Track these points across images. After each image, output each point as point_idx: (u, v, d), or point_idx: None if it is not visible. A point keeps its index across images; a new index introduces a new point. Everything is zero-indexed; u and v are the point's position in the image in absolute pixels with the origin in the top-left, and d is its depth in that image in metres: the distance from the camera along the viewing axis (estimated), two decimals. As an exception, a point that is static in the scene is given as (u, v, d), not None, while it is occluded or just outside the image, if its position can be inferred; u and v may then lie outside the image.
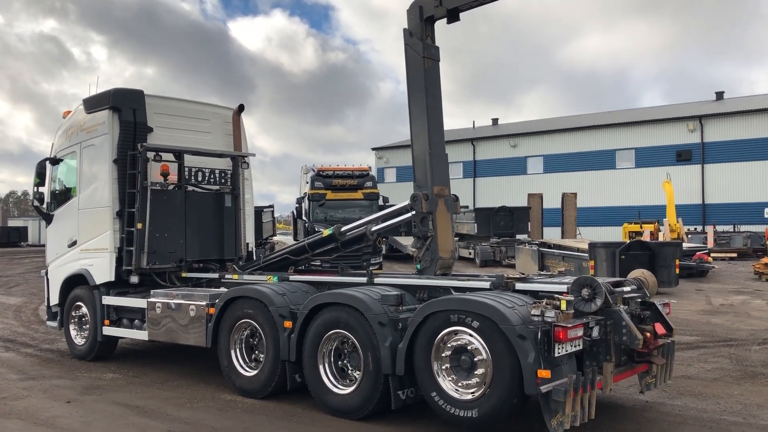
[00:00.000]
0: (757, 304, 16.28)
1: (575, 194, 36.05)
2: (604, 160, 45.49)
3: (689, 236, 32.67)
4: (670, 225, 32.16)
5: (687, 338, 11.44)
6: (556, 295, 6.01)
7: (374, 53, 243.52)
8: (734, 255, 31.41)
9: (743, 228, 35.23)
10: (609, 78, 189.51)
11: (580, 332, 5.69)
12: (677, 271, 18.83)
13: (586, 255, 19.76)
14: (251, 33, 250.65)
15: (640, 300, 6.63)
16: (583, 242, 23.24)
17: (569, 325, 5.54)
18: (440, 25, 8.16)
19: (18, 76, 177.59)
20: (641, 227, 33.04)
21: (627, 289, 6.59)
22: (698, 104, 49.68)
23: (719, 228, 35.37)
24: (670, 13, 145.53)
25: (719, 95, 50.15)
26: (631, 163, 44.53)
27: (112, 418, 7.02)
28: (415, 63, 7.89)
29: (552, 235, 34.45)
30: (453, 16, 7.89)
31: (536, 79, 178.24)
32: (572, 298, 5.87)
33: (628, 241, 20.98)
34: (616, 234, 35.80)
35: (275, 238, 36.25)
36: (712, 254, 28.39)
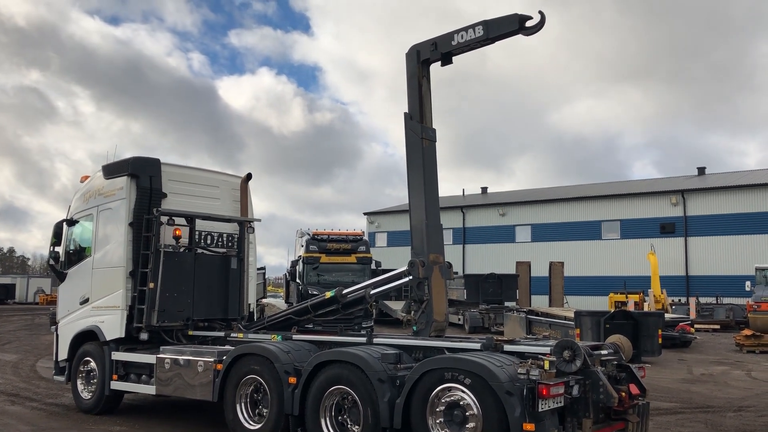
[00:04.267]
0: (737, 375, 16.83)
1: (562, 263, 36.83)
2: (590, 231, 46.59)
3: (673, 307, 33.34)
4: (654, 296, 32.88)
5: (666, 404, 11.97)
6: (540, 356, 6.63)
7: (362, 115, 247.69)
8: (717, 327, 32.02)
9: (726, 300, 35.99)
10: (599, 145, 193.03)
11: (561, 390, 6.30)
12: (660, 340, 19.41)
13: (572, 323, 20.34)
14: (239, 91, 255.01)
15: (616, 363, 7.26)
16: (570, 311, 23.84)
17: (551, 383, 6.16)
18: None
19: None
20: (627, 297, 33.69)
21: (604, 352, 7.25)
22: (681, 179, 51.29)
23: (703, 300, 36.10)
24: (662, 81, 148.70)
25: (701, 170, 51.81)
26: (616, 235, 45.63)
27: (124, 466, 7.46)
28: (414, 143, 8.75)
29: (539, 302, 35.02)
30: (446, 60, 8.84)
31: (527, 145, 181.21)
32: (554, 359, 6.49)
33: (613, 311, 21.59)
34: (602, 303, 36.44)
35: (265, 301, 36.56)
36: (696, 325, 29.00)
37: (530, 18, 7.99)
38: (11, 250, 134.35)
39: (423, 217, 8.56)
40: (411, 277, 8.57)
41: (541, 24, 7.92)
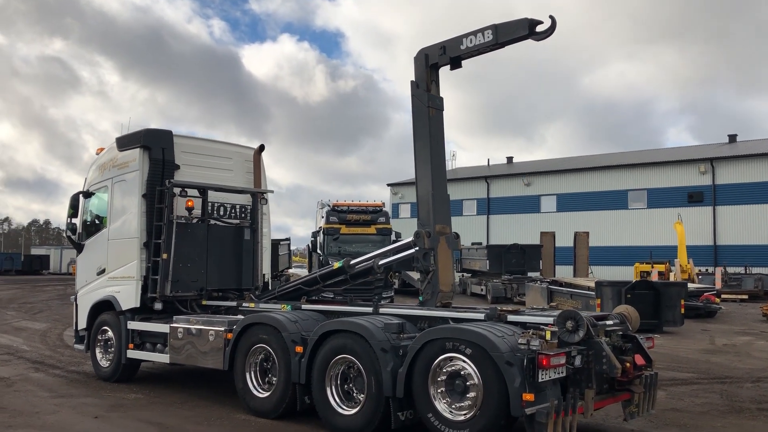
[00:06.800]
0: (760, 345, 16.59)
1: (587, 233, 36.51)
2: (616, 200, 45.97)
3: (700, 277, 32.89)
4: (681, 266, 32.45)
5: (683, 375, 11.86)
6: (542, 327, 6.59)
7: (386, 82, 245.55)
8: (745, 297, 31.54)
9: (755, 270, 35.39)
10: (632, 110, 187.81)
11: (562, 360, 6.26)
12: (683, 311, 19.21)
13: (593, 293, 20.20)
14: (261, 59, 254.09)
15: (621, 333, 7.18)
16: (592, 281, 23.67)
17: (552, 353, 6.12)
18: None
19: (25, 100, 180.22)
20: (652, 267, 33.33)
21: (609, 322, 7.17)
22: (710, 147, 50.24)
23: (731, 269, 35.54)
24: (700, 41, 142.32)
25: (732, 138, 50.67)
26: (643, 204, 44.97)
27: (135, 432, 7.66)
28: (420, 112, 8.66)
29: (564, 273, 34.81)
30: (456, 64, 8.68)
31: (558, 111, 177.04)
32: (556, 329, 6.45)
33: (634, 281, 21.38)
34: (628, 273, 36.10)
35: (291, 271, 37.01)
36: (723, 295, 28.60)
37: (541, 23, 7.80)
38: (47, 222, 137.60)
39: (429, 188, 8.51)
40: (417, 248, 8.54)
41: (551, 29, 7.74)
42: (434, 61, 8.71)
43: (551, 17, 7.71)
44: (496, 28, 8.06)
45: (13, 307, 26.51)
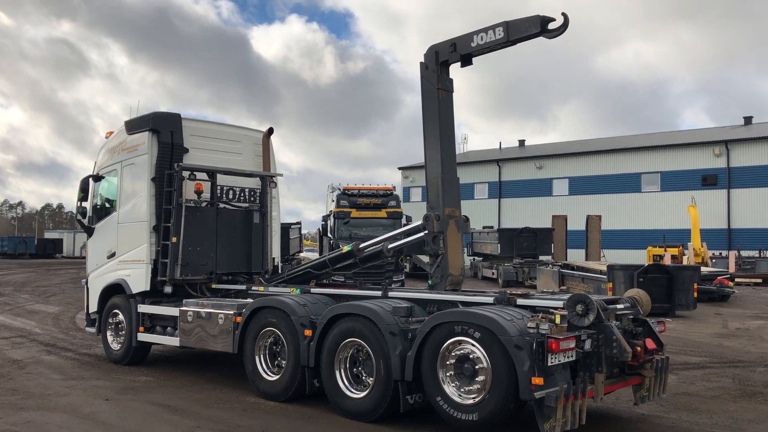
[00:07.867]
0: (774, 329, 16.46)
1: (600, 217, 36.22)
2: (629, 184, 45.62)
3: (714, 261, 32.64)
4: (694, 249, 32.20)
5: (695, 359, 11.77)
6: (551, 310, 6.53)
7: (396, 64, 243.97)
8: (759, 280, 31.29)
9: (769, 253, 35.08)
10: (647, 91, 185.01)
11: (572, 344, 6.21)
12: (695, 294, 19.08)
13: (605, 277, 20.09)
14: (270, 41, 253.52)
15: (632, 317, 7.11)
16: (605, 264, 23.53)
17: (561, 337, 6.07)
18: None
19: (34, 83, 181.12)
20: (665, 251, 33.10)
21: (620, 306, 7.10)
22: (724, 129, 49.66)
23: (744, 253, 35.24)
24: (719, 17, 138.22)
25: (747, 120, 50.04)
26: (656, 187, 44.61)
27: (146, 414, 7.70)
28: (430, 94, 8.55)
29: (576, 257, 34.62)
30: (466, 61, 8.53)
31: (572, 92, 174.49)
32: (566, 313, 6.38)
33: (647, 264, 21.23)
34: (640, 257, 35.86)
35: (302, 255, 37.08)
36: (737, 279, 28.37)
37: (553, 20, 7.62)
38: (60, 206, 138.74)
39: (438, 171, 8.41)
40: (426, 232, 8.48)
41: (564, 26, 7.55)
42: (444, 58, 8.56)
43: (564, 14, 7.54)
44: (507, 26, 7.89)
45: (26, 290, 26.78)
